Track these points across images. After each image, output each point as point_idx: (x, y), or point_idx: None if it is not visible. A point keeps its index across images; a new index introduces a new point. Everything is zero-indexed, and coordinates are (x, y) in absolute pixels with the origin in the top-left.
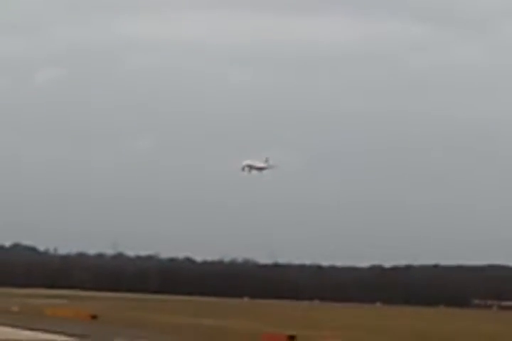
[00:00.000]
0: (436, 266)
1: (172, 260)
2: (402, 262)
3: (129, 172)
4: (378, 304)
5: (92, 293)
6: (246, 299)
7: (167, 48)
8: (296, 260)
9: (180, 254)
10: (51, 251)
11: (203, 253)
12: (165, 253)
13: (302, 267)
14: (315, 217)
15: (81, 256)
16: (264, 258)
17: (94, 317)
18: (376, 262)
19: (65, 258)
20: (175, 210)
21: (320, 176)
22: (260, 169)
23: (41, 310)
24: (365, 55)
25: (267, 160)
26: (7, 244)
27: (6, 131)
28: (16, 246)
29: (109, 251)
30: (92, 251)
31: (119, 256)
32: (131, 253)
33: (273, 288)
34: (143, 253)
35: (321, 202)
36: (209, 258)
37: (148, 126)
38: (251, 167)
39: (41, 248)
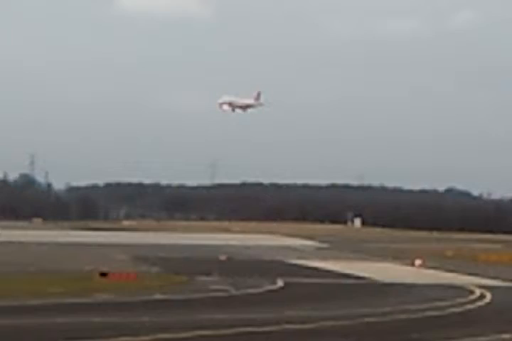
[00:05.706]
0: None
1: None
2: None
3: None
4: None
5: None
6: None
7: None
8: None
9: None
10: (485, 195)
11: None
12: None
13: None
14: None
15: None
16: None
17: None
18: None
19: (499, 203)
20: None
21: None
22: (244, 107)
23: (475, 255)
24: None
25: (258, 96)
26: (441, 188)
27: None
28: (450, 191)
29: None
30: None
31: None
32: None
33: None
34: None
35: None
36: None
37: None
38: (232, 104)
39: (475, 193)
